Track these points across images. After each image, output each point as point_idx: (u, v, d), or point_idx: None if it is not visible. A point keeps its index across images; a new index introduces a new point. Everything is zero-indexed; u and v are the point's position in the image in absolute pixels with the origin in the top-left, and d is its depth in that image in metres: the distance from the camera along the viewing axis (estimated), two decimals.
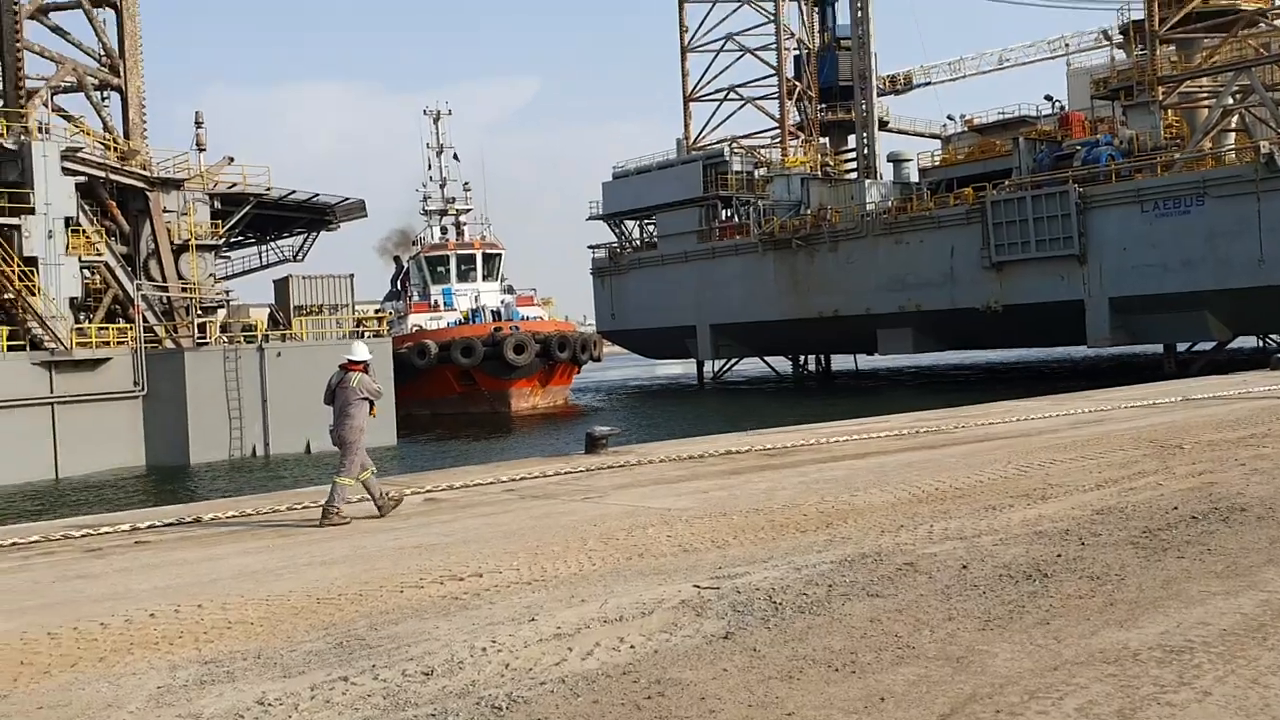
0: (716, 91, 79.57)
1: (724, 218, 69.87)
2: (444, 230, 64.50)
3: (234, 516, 11.68)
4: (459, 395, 53.64)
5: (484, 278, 61.13)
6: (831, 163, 74.37)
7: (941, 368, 79.09)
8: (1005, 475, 11.65)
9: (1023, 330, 55.94)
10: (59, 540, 10.79)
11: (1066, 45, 74.20)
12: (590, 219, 75.53)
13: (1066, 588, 6.67)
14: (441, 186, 64.61)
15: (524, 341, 52.36)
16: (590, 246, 76.44)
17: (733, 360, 74.12)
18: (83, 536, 10.84)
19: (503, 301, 59.59)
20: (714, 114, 79.84)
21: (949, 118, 74.94)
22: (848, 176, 71.21)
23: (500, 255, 62.60)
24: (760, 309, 64.43)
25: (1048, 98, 68.34)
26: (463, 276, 60.95)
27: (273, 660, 6.02)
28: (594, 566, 8.06)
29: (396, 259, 69.31)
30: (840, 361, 75.76)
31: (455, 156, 65.02)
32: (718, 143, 75.96)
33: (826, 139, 79.06)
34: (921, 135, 78.96)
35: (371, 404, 11.22)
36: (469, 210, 64.84)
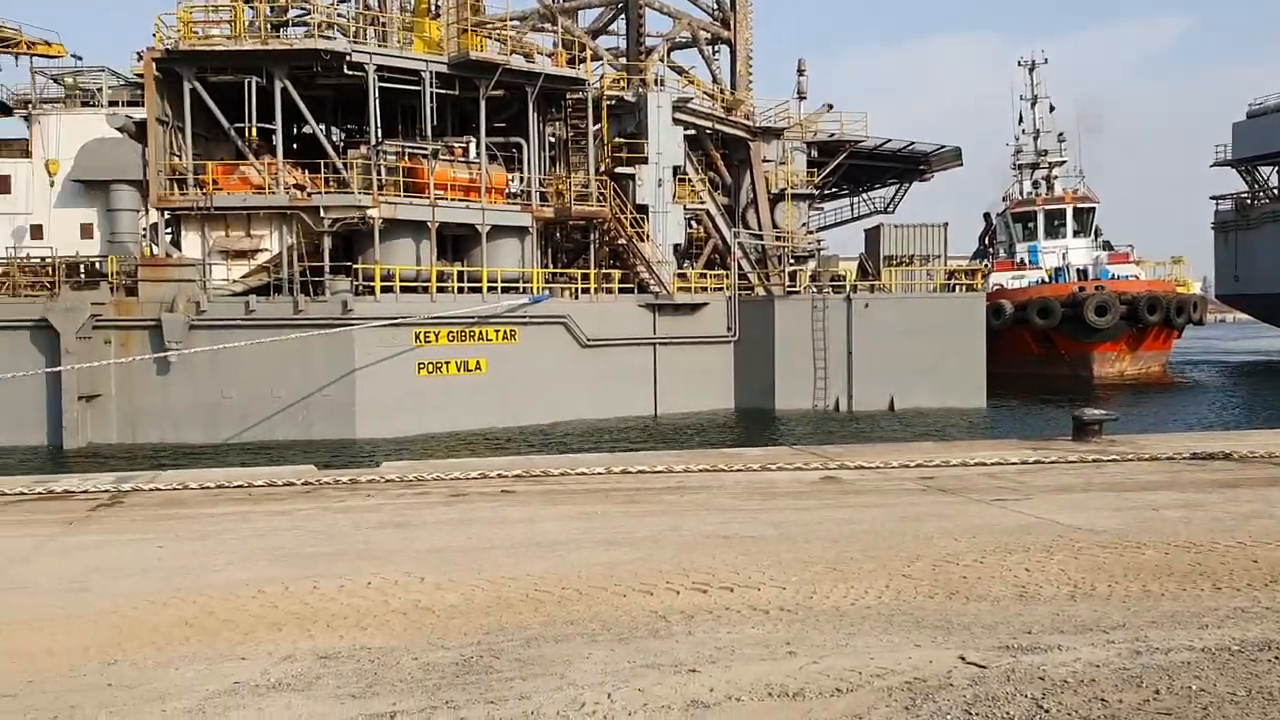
0: None
1: None
2: (1035, 185, 60.13)
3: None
4: (1036, 357, 50.36)
5: (1074, 234, 56.17)
6: None
7: None
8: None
9: None
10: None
11: None
12: (1215, 165, 64.36)
13: None
14: (1035, 139, 60.51)
15: (1107, 302, 48.11)
16: (1213, 198, 65.49)
17: None
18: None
19: (1094, 259, 54.51)
20: None
21: None
22: None
23: (1094, 209, 56.97)
24: None
25: None
26: (1051, 233, 56.48)
27: None
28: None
29: (986, 215, 65.50)
30: None
31: (1051, 108, 60.65)
32: None
33: None
34: None
35: None
36: (1062, 163, 59.64)
